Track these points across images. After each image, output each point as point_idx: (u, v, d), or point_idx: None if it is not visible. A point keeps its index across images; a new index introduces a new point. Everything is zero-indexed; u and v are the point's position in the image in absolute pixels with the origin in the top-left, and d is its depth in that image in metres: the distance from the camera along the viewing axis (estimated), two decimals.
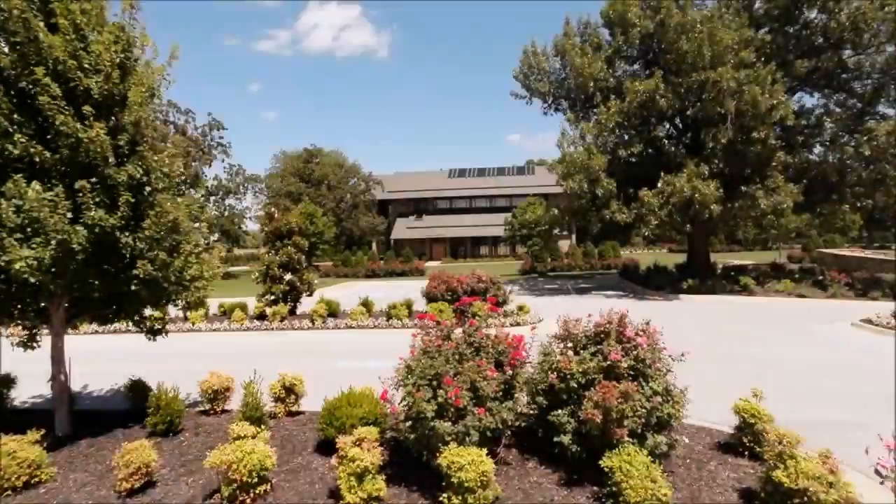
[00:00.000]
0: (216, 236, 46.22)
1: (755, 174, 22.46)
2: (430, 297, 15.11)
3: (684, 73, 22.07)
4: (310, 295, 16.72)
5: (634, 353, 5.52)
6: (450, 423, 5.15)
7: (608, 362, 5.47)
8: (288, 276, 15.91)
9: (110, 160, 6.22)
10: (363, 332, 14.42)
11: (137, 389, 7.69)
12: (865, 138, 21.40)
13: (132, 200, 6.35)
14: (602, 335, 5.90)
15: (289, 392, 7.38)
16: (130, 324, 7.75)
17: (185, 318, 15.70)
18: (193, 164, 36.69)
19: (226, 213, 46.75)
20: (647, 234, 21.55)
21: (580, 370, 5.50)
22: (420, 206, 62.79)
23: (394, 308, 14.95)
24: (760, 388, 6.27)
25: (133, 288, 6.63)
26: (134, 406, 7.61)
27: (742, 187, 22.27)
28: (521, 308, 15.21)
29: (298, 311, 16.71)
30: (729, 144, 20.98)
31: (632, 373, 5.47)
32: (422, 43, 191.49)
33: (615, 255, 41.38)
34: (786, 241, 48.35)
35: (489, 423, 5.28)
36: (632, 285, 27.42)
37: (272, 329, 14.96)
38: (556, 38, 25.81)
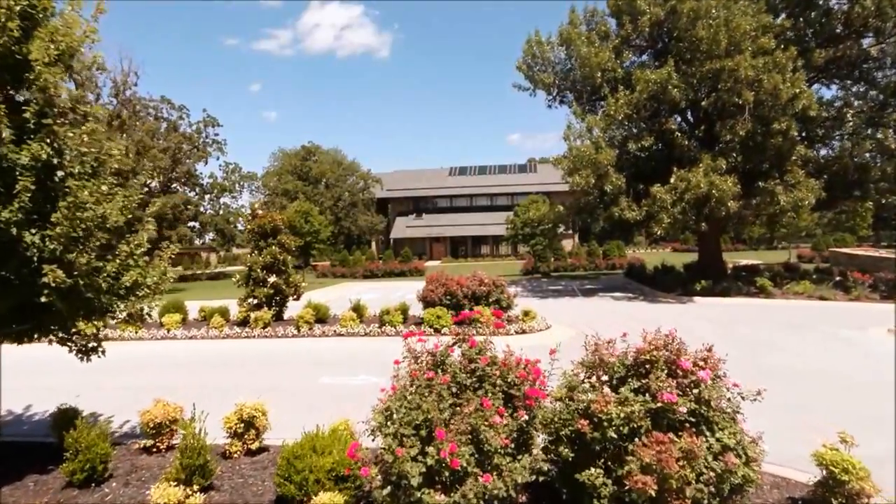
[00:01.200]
0: (210, 235, 44.75)
1: (773, 169, 20.96)
2: (427, 302, 13.63)
3: (698, 61, 20.56)
4: (297, 299, 15.24)
5: (695, 391, 4.03)
6: (442, 495, 3.67)
7: (658, 404, 3.98)
8: (272, 279, 14.44)
9: (3, 136, 4.74)
10: (353, 341, 12.95)
11: (65, 420, 6.21)
12: (891, 131, 19.92)
13: (35, 188, 4.86)
14: (647, 365, 4.39)
15: (248, 426, 5.90)
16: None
17: (161, 324, 14.24)
18: (186, 161, 35.22)
19: (220, 212, 45.32)
20: (659, 232, 20.06)
21: (621, 414, 4.01)
22: (420, 205, 61.30)
23: (387, 314, 13.47)
24: (814, 409, 4.77)
25: (44, 300, 5.14)
26: (60, 441, 6.13)
27: (759, 183, 20.78)
28: (526, 313, 13.73)
29: (286, 316, 15.23)
30: (747, 137, 19.46)
31: (692, 419, 3.98)
32: (423, 43, 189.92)
33: (620, 255, 39.89)
34: (793, 241, 46.71)
35: (497, 491, 3.80)
36: (640, 286, 25.94)
37: (254, 337, 13.50)
38: (561, 26, 24.32)
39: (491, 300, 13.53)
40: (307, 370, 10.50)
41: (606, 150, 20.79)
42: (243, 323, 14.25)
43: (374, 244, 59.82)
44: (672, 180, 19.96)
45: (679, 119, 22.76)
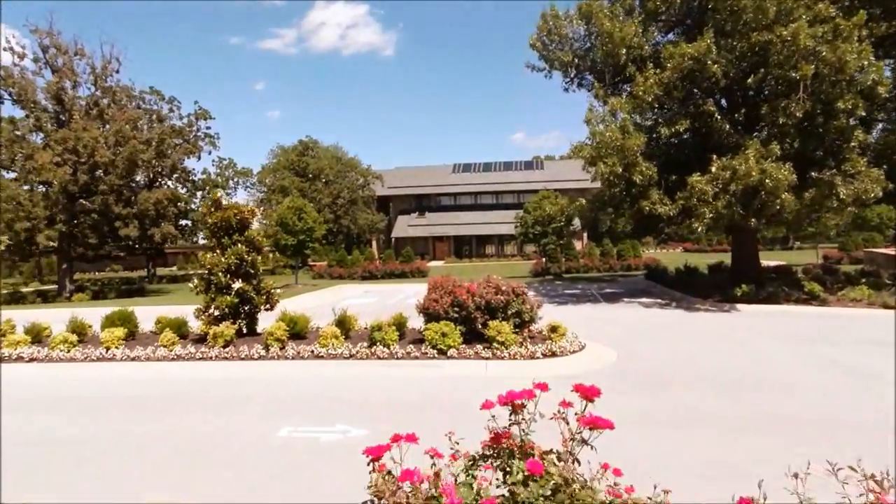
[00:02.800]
0: (203, 234, 41.86)
1: (828, 157, 17.93)
2: (430, 314, 10.65)
3: (740, 34, 17.55)
4: (270, 308, 12.25)
5: None
6: None
7: None
8: (238, 285, 11.47)
9: None
10: (335, 365, 9.97)
11: None
12: None
13: None
14: None
15: None
16: None
17: (100, 342, 11.28)
18: (170, 153, 32.31)
19: None
20: (699, 229, 17.02)
21: None
22: (422, 203, 58.29)
23: (378, 329, 10.47)
24: None
25: None
26: None
27: (812, 173, 17.76)
28: (553, 329, 10.73)
29: (259, 330, 12.21)
30: (804, 119, 16.43)
31: None
32: (427, 42, 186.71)
33: (635, 255, 36.86)
34: (818, 241, 43.45)
35: None
36: (667, 290, 22.91)
37: (210, 358, 10.53)
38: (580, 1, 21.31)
39: (510, 312, 10.54)
40: (264, 413, 7.52)
41: (635, 135, 17.79)
42: (202, 340, 11.28)
43: (374, 244, 56.86)
44: (713, 169, 16.93)
45: (718, 100, 19.67)
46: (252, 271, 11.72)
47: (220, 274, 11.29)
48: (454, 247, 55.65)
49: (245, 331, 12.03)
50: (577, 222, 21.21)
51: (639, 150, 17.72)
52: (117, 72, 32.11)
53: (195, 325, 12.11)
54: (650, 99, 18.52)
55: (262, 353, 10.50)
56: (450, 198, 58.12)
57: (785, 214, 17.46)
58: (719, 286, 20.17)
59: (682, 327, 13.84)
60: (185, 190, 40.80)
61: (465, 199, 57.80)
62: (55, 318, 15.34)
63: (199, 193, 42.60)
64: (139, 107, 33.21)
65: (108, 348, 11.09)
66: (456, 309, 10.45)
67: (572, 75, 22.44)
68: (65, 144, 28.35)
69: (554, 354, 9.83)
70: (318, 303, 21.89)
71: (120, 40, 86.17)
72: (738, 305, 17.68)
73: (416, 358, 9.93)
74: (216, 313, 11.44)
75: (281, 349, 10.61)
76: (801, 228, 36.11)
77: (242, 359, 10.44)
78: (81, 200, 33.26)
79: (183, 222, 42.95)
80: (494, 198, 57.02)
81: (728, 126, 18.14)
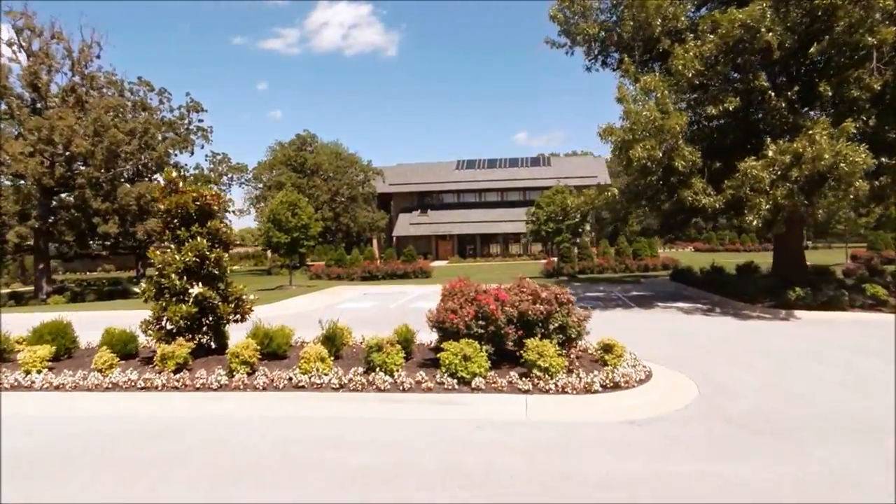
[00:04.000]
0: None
1: None
2: (446, 330, 7.95)
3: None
4: (241, 319, 9.55)
5: None
6: None
7: None
8: (197, 289, 8.78)
9: None
10: (319, 401, 7.28)
11: None
12: None
13: None
14: None
15: None
16: None
17: (18, 365, 8.59)
18: (152, 142, 29.63)
19: None
20: (755, 223, 14.31)
21: None
22: (425, 201, 55.62)
23: (377, 350, 7.75)
24: None
25: None
26: None
27: (883, 158, 15.07)
28: (607, 348, 8.06)
29: (230, 344, 9.48)
30: (882, 92, 13.76)
31: None
32: (430, 42, 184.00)
33: (651, 255, 34.19)
34: (846, 239, 40.68)
35: None
36: (702, 293, 20.22)
37: (155, 388, 7.83)
38: None
39: (552, 327, 7.85)
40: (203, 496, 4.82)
41: (676, 115, 15.11)
42: (151, 361, 8.59)
43: (375, 242, 54.14)
44: (770, 153, 14.26)
45: (773, 75, 16.92)
46: (216, 272, 9.03)
47: (172, 275, 8.60)
48: (457, 246, 52.98)
49: (213, 346, 9.33)
50: (616, 215, 18.33)
51: (681, 131, 15.05)
52: (98, 57, 29.47)
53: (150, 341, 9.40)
54: (690, 75, 15.83)
55: (225, 380, 7.81)
56: (453, 195, 55.46)
57: (848, 206, 14.81)
58: (763, 289, 17.46)
59: (748, 341, 11.16)
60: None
61: (469, 197, 55.13)
62: (17, 324, 12.74)
63: None
64: (122, 95, 30.49)
65: (27, 372, 8.41)
66: (481, 323, 7.76)
67: (596, 51, 19.77)
68: (38, 133, 25.68)
69: (616, 386, 7.14)
70: (311, 307, 19.21)
71: (122, 40, 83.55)
72: (796, 312, 15.00)
73: (429, 390, 7.25)
74: (170, 327, 8.75)
75: (249, 375, 7.92)
76: (830, 225, 33.62)
77: (198, 388, 7.75)
78: (62, 195, 30.64)
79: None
80: (499, 195, 54.34)
81: (784, 104, 15.46)
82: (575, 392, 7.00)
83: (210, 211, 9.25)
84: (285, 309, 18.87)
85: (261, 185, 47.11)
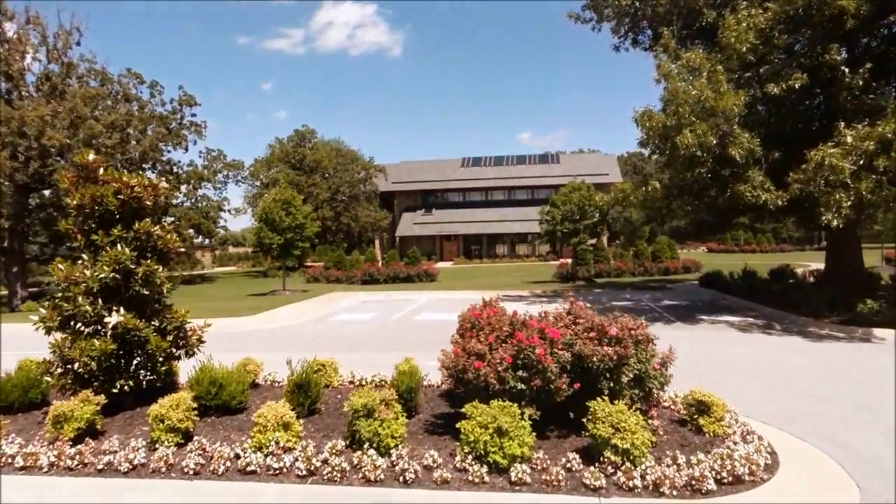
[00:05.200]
0: (189, 231, 36.62)
1: None
2: (467, 383, 5.30)
3: None
4: (187, 355, 6.94)
5: None
6: None
7: None
8: (116, 318, 6.16)
9: None
10: (276, 500, 4.69)
11: None
12: None
13: None
14: None
15: None
16: None
17: None
18: (131, 135, 27.10)
19: (197, 205, 37.27)
20: (835, 223, 11.61)
21: None
22: (429, 199, 52.97)
23: (366, 415, 5.10)
24: None
25: None
26: None
27: None
28: (699, 407, 5.42)
29: (155, 406, 6.89)
30: None
31: None
32: (435, 42, 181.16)
33: (672, 257, 31.44)
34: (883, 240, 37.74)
35: None
36: (743, 303, 17.49)
37: (40, 469, 5.24)
38: None
39: (625, 379, 5.21)
40: None
41: (731, 94, 12.45)
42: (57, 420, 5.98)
43: (377, 243, 51.53)
44: (848, 139, 11.58)
45: (849, 49, 14.22)
46: (146, 293, 6.42)
47: (80, 298, 6.00)
48: (463, 246, 50.34)
49: (152, 387, 6.72)
50: (655, 213, 15.61)
51: (738, 112, 12.41)
52: (78, 44, 26.93)
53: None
54: (744, 49, 13.17)
55: (142, 456, 5.20)
56: (458, 194, 52.81)
57: None
58: (823, 301, 14.78)
59: (850, 376, 8.50)
60: (164, 182, 35.60)
61: (475, 196, 52.46)
62: None
63: (183, 187, 37.37)
64: (103, 85, 27.94)
65: None
66: (521, 374, 5.12)
67: (626, 27, 17.12)
68: (9, 126, 23.16)
69: (737, 480, 4.49)
70: (301, 318, 16.62)
71: (124, 40, 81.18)
72: (874, 331, 12.30)
73: (444, 483, 4.63)
74: (79, 369, 6.14)
75: (180, 446, 5.31)
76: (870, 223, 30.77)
77: (101, 471, 5.14)
78: (45, 192, 28.17)
79: (168, 219, 37.87)
80: (507, 193, 51.64)
81: (860, 82, 12.76)
82: (675, 493, 4.35)
83: (140, 207, 6.64)
84: (271, 321, 16.28)
85: (258, 184, 44.55)
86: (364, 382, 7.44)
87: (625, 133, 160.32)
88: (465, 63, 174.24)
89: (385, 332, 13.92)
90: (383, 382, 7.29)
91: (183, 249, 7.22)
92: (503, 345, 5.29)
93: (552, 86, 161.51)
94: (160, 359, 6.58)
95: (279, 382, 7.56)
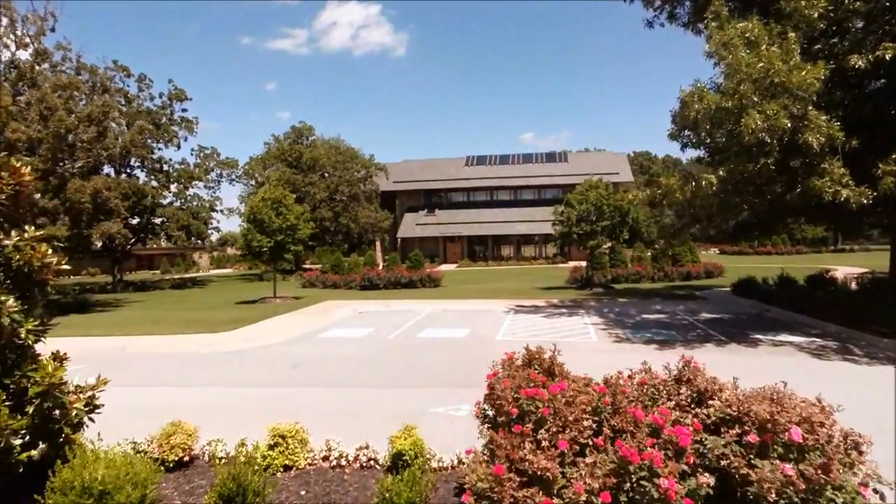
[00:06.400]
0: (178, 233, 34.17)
1: None
2: None
3: None
4: (89, 411, 4.47)
5: None
6: None
7: None
8: None
9: None
10: None
11: None
12: None
13: None
14: None
15: None
16: None
17: None
18: (117, 131, 24.65)
19: (188, 205, 34.85)
20: None
21: None
22: (432, 199, 50.49)
23: None
24: None
25: None
26: None
27: None
28: None
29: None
30: None
31: None
32: (439, 42, 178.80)
33: (693, 261, 28.91)
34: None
35: None
36: (795, 316, 14.92)
37: None
38: None
39: None
40: None
41: (808, 67, 9.94)
42: None
43: (378, 245, 49.05)
44: None
45: None
46: None
47: None
48: (467, 248, 47.83)
49: None
50: (705, 213, 12.99)
51: (817, 90, 9.89)
52: (52, 30, 24.47)
53: None
54: (815, 16, 10.66)
55: None
56: (462, 193, 50.30)
57: None
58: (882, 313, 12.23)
59: None
60: (153, 181, 33.24)
61: (480, 195, 49.95)
62: None
63: (172, 186, 34.96)
64: (77, 73, 25.49)
65: None
66: None
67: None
68: None
69: None
70: (286, 334, 14.14)
71: (124, 40, 78.95)
72: None
73: None
74: None
75: None
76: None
77: None
78: None
79: (158, 220, 35.45)
80: (512, 193, 49.11)
81: None
82: None
83: None
84: (252, 338, 13.78)
85: (252, 183, 42.11)
86: (344, 461, 4.99)
87: (628, 134, 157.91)
88: (469, 63, 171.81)
89: (382, 356, 11.42)
90: (371, 463, 4.88)
91: (68, 268, 4.71)
92: (584, 457, 2.77)
93: (556, 86, 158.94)
94: (14, 447, 4.06)
95: (223, 458, 5.08)
